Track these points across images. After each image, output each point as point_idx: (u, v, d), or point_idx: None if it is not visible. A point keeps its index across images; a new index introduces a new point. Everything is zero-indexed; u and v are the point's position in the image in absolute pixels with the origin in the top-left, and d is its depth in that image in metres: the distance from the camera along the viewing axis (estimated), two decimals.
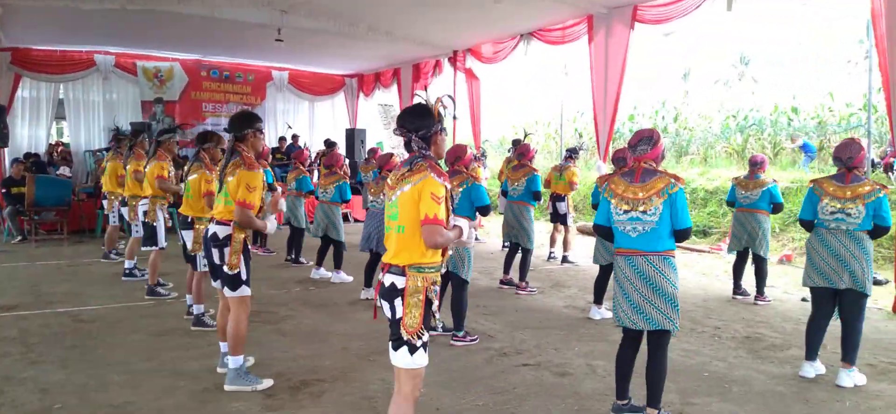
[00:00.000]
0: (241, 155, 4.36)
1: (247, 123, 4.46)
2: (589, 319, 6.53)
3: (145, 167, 7.08)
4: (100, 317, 6.31)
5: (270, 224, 4.60)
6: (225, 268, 4.32)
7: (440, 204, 2.88)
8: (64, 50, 13.97)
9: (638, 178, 3.83)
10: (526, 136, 9.74)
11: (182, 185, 6.85)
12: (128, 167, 7.79)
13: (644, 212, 3.75)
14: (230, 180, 4.34)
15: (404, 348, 2.92)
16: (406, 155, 3.07)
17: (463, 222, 3.07)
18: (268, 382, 4.47)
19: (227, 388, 4.38)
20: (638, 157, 3.89)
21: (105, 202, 9.26)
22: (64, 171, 12.85)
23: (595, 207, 6.39)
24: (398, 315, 2.92)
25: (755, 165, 7.37)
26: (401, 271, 2.94)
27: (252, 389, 4.37)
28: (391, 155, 7.45)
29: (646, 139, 3.89)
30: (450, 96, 3.14)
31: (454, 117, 3.23)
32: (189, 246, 5.82)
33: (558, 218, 9.84)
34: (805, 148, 15.17)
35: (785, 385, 4.72)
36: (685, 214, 3.74)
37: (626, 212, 3.83)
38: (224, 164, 4.44)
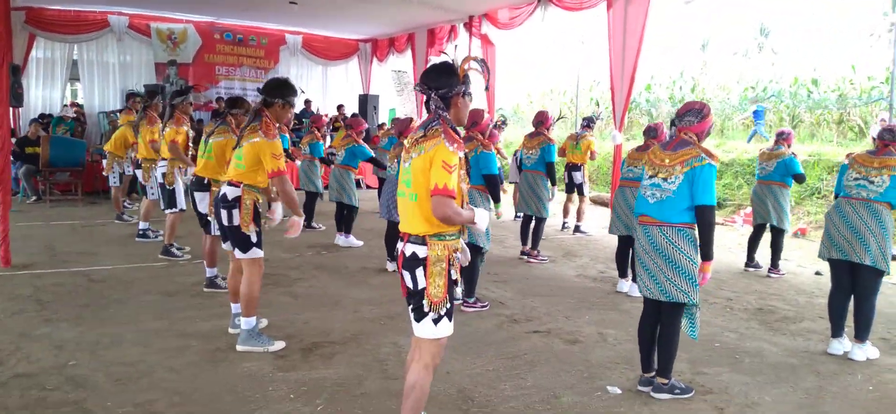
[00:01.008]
0: (262, 119, 4.31)
1: (278, 92, 4.40)
2: (600, 290, 6.51)
3: (163, 131, 7.05)
4: (113, 276, 6.36)
5: (278, 211, 4.65)
6: (242, 229, 4.32)
7: (451, 173, 2.69)
8: (78, 10, 13.91)
9: (671, 147, 3.77)
10: (559, 117, 9.64)
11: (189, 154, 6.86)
12: (140, 131, 7.77)
13: (665, 179, 3.71)
14: (245, 145, 4.31)
15: (428, 318, 2.83)
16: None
17: (482, 214, 2.90)
18: (280, 344, 4.49)
19: (239, 348, 4.40)
20: (682, 127, 3.79)
21: (104, 162, 9.23)
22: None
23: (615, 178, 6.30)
24: (421, 285, 2.81)
25: (779, 136, 7.30)
26: (422, 241, 2.82)
27: (264, 350, 4.40)
28: (410, 120, 7.41)
29: (694, 111, 3.78)
30: (482, 60, 2.90)
31: (485, 88, 3.01)
32: (202, 209, 5.79)
33: (574, 187, 9.79)
34: (755, 114, 15.07)
35: (797, 357, 4.68)
36: (706, 190, 3.58)
37: (650, 177, 3.81)
38: (245, 125, 4.40)
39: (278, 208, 4.65)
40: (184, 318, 5.12)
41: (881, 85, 14.80)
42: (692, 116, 3.77)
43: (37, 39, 13.64)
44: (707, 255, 3.64)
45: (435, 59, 14.62)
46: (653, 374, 3.94)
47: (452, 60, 2.85)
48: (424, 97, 2.87)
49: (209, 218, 5.63)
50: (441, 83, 2.81)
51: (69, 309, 5.25)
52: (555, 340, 4.89)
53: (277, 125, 4.42)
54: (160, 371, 4.04)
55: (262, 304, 5.33)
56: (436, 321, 2.84)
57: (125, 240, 8.16)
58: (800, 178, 7.22)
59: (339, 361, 4.32)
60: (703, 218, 3.63)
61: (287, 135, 10.61)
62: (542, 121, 7.77)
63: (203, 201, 5.72)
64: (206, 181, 5.68)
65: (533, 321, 5.34)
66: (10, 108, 8.23)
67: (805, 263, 7.92)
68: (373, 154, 8.76)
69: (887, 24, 25.15)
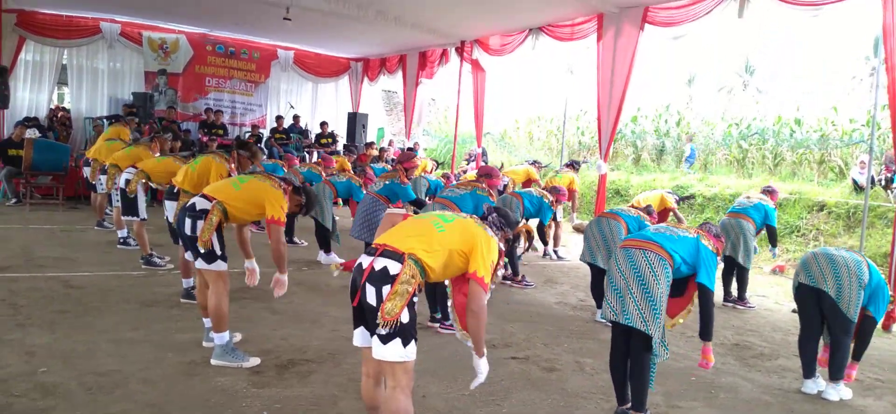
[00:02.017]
0: (279, 185, 4.54)
1: (302, 196, 4.80)
2: (580, 318, 6.54)
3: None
4: (90, 283, 6.29)
5: (256, 272, 4.71)
6: (198, 240, 4.29)
7: (490, 272, 3.01)
8: (70, 15, 13.89)
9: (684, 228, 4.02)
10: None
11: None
12: (136, 147, 7.91)
13: (673, 231, 3.95)
14: (253, 180, 4.53)
15: (397, 340, 2.79)
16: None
17: (483, 366, 3.14)
18: (255, 361, 4.46)
19: (213, 362, 4.37)
20: (700, 229, 4.00)
21: (86, 170, 9.20)
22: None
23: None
24: (382, 301, 2.80)
25: (766, 190, 7.70)
26: (398, 258, 2.83)
27: (238, 366, 4.37)
28: (414, 154, 7.44)
29: (712, 224, 4.13)
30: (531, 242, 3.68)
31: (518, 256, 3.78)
32: (170, 217, 5.89)
33: None
34: (689, 157, 16.42)
35: (771, 394, 4.72)
36: (711, 274, 3.81)
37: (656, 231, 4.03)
38: (256, 170, 4.64)
39: (256, 269, 4.69)
40: (161, 329, 5.07)
41: (862, 127, 15.05)
42: (713, 227, 4.05)
43: (26, 42, 13.58)
44: (707, 335, 3.89)
45: (427, 80, 14.74)
46: (628, 405, 3.95)
47: (515, 223, 3.49)
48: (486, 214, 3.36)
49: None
50: (508, 222, 3.34)
51: (44, 315, 5.18)
52: (532, 366, 4.90)
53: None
54: (134, 382, 3.99)
55: (240, 318, 5.31)
56: (405, 342, 2.81)
57: (105, 247, 8.08)
58: (771, 230, 7.42)
59: (314, 379, 4.30)
60: (705, 297, 3.83)
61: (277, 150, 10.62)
62: (488, 174, 7.29)
63: (171, 209, 5.86)
64: (176, 190, 5.78)
65: (511, 347, 5.34)
66: None
67: (781, 300, 7.99)
68: (417, 196, 8.11)
69: (869, 68, 25.68)
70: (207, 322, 4.64)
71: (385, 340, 2.80)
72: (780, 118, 16.85)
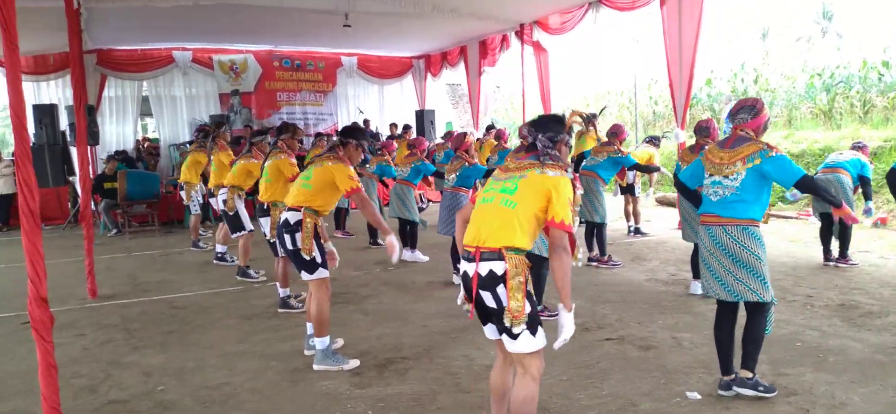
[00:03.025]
0: (335, 153, 4.59)
1: (353, 135, 4.73)
2: (672, 293, 6.39)
3: (236, 161, 7.40)
4: (193, 302, 6.62)
5: (396, 247, 4.48)
6: (302, 252, 4.47)
7: (573, 212, 2.88)
8: (144, 48, 14.63)
9: (729, 144, 3.74)
10: (602, 109, 9.70)
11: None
12: (213, 158, 8.15)
13: (726, 176, 3.69)
14: (315, 167, 4.57)
15: (526, 333, 2.82)
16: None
17: (568, 321, 2.93)
18: (354, 363, 4.58)
19: (315, 367, 4.52)
20: (737, 126, 3.79)
21: (182, 193, 9.65)
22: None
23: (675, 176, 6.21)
24: (505, 303, 2.82)
25: (855, 145, 7.40)
26: (497, 256, 2.84)
27: (339, 369, 4.50)
28: (465, 134, 7.48)
29: (747, 108, 3.79)
30: (590, 115, 3.34)
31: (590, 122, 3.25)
32: (267, 232, 6.13)
33: (627, 189, 9.77)
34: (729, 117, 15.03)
35: (884, 353, 4.48)
36: (791, 171, 3.55)
37: (711, 175, 3.80)
38: (320, 154, 4.67)
39: (396, 244, 4.45)
40: (262, 339, 5.28)
41: None
42: (745, 113, 3.78)
43: (108, 79, 14.38)
44: (837, 203, 3.67)
45: (489, 68, 14.65)
46: (732, 376, 3.85)
47: (563, 112, 3.17)
48: (529, 139, 3.05)
49: (273, 240, 5.95)
50: (550, 128, 3.04)
51: (155, 336, 5.49)
52: (628, 346, 4.83)
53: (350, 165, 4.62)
54: (243, 393, 4.18)
55: (335, 322, 5.46)
56: (533, 332, 2.85)
57: (202, 266, 8.48)
58: (866, 183, 7.05)
59: (412, 376, 4.38)
60: (808, 188, 3.65)
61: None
62: (616, 133, 7.64)
63: (266, 225, 6.11)
64: (266, 206, 6.04)
65: (604, 329, 5.28)
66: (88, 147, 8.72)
67: (887, 254, 7.57)
68: (436, 168, 8.86)
69: None
70: (310, 328, 4.79)
71: (515, 335, 2.84)
72: (865, 63, 15.91)
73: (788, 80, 17.78)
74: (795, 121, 15.90)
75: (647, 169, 8.26)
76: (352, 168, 4.56)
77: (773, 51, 23.36)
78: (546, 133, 3.01)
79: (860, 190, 7.22)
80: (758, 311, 3.73)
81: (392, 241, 4.40)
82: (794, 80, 17.70)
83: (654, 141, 10.23)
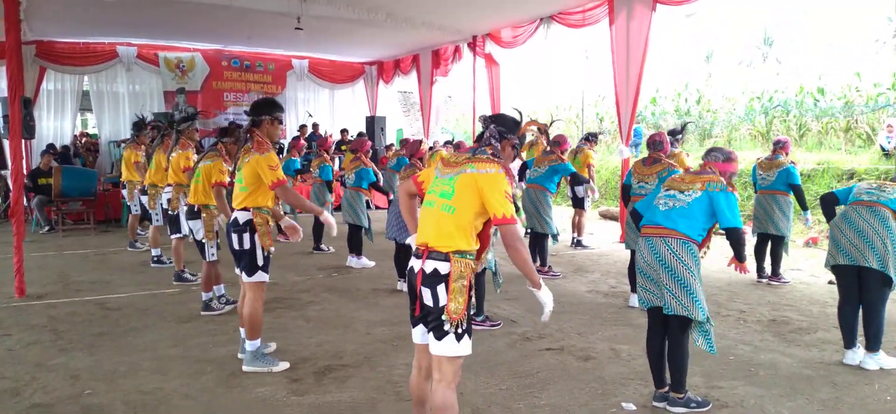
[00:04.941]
0: (252, 139, 4.43)
1: (265, 110, 4.50)
2: (613, 305, 6.50)
3: (169, 156, 7.13)
4: (127, 304, 6.40)
5: (299, 230, 4.65)
6: (264, 249, 4.42)
7: (511, 202, 2.89)
8: (87, 42, 14.15)
9: (695, 172, 3.99)
10: (551, 123, 9.79)
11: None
12: (154, 157, 7.88)
13: (682, 191, 3.87)
14: (243, 166, 4.45)
15: (451, 336, 2.84)
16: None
17: (546, 297, 3.01)
18: (285, 365, 4.54)
19: (245, 369, 4.47)
20: (707, 162, 4.02)
21: (125, 191, 9.38)
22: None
23: (624, 190, 6.32)
24: (442, 302, 2.83)
25: (776, 145, 7.38)
26: (444, 257, 2.86)
27: (269, 370, 4.45)
28: (421, 142, 7.48)
29: (722, 151, 4.06)
30: (544, 127, 3.44)
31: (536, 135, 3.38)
32: (198, 236, 5.98)
33: (577, 202, 9.87)
34: (635, 133, 15.54)
35: (812, 368, 4.66)
36: (733, 213, 3.74)
37: (667, 189, 3.97)
38: (239, 148, 4.56)
39: (331, 219, 4.69)
40: (198, 344, 5.15)
41: (887, 91, 14.76)
42: (719, 154, 4.03)
43: (47, 72, 13.85)
44: (741, 257, 3.90)
45: (442, 78, 14.70)
46: (666, 389, 3.93)
47: (521, 116, 3.18)
48: (483, 129, 3.13)
49: (204, 242, 5.88)
50: (504, 124, 3.11)
51: (84, 338, 5.28)
52: (568, 357, 4.89)
53: (269, 143, 4.46)
54: (176, 398, 4.06)
55: (274, 327, 5.37)
56: (458, 337, 2.85)
57: (138, 267, 8.22)
58: (797, 190, 7.20)
59: (352, 384, 4.33)
60: (734, 238, 3.82)
61: (297, 158, 10.67)
62: (558, 143, 7.78)
63: (198, 229, 5.97)
64: (196, 208, 5.91)
65: (545, 338, 5.33)
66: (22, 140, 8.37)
67: (817, 273, 7.87)
68: (377, 178, 8.80)
69: (892, 29, 25.12)
70: (243, 332, 4.69)
71: (441, 336, 2.85)
72: (802, 88, 16.58)
73: (729, 102, 18.38)
74: (735, 142, 16.42)
75: (581, 180, 8.36)
76: (275, 155, 4.41)
77: (716, 73, 24.09)
78: (499, 127, 3.09)
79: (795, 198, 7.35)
80: (682, 326, 3.81)
81: (327, 217, 4.57)
82: (734, 101, 18.30)
83: (591, 138, 10.32)
